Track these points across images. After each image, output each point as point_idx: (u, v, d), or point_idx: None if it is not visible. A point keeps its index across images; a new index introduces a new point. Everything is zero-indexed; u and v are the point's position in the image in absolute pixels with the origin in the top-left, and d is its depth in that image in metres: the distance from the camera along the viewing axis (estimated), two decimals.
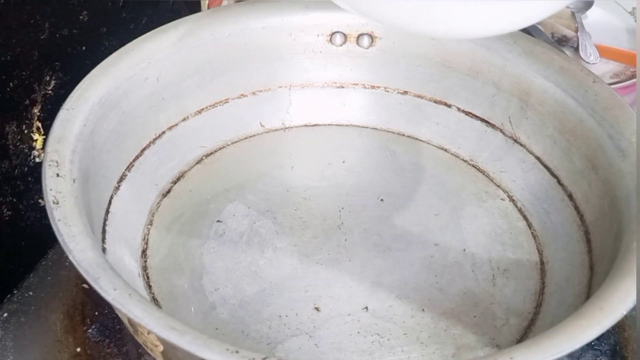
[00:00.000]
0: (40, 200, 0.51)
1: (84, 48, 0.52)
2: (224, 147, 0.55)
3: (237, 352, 0.32)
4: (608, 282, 0.37)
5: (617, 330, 0.46)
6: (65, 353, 0.44)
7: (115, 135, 0.47)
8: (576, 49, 0.69)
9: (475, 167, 0.54)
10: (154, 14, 0.60)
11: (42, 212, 0.45)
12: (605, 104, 0.47)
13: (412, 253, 0.48)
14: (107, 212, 0.45)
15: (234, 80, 0.55)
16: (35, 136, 0.50)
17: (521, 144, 0.53)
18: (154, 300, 0.44)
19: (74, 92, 0.45)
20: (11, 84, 0.46)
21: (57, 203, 0.38)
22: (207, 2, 0.69)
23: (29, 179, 0.50)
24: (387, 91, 0.57)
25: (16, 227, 0.50)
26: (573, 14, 0.73)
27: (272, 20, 0.54)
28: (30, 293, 0.47)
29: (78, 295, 0.47)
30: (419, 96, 0.56)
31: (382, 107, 0.57)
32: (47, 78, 0.49)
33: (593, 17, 0.73)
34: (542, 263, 0.48)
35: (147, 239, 0.48)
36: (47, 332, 0.45)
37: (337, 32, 0.56)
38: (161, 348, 0.37)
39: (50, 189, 0.38)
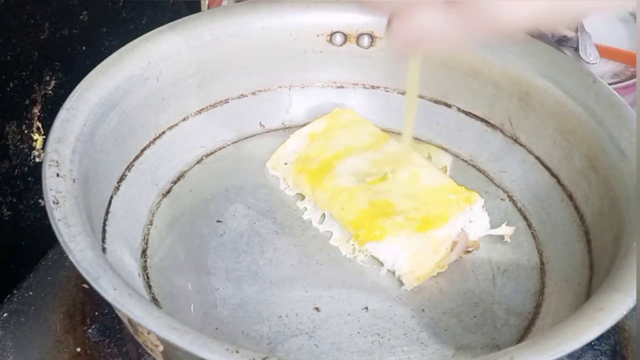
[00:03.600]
0: (40, 200, 0.51)
1: (84, 48, 0.52)
2: (224, 147, 0.55)
3: (237, 352, 0.32)
4: (608, 282, 0.37)
5: (617, 330, 0.46)
6: (65, 353, 0.44)
7: (115, 135, 0.47)
8: (576, 49, 0.69)
9: (475, 167, 0.54)
10: (154, 14, 0.60)
11: (42, 212, 0.45)
12: (605, 104, 0.47)
13: None
14: (107, 212, 0.45)
15: (234, 80, 0.55)
16: (35, 136, 0.50)
17: (521, 144, 0.53)
18: (154, 300, 0.44)
19: (74, 92, 0.45)
20: (11, 84, 0.47)
21: (57, 203, 0.38)
22: (207, 2, 0.70)
23: (29, 179, 0.50)
24: (387, 91, 0.57)
25: (16, 227, 0.50)
26: None
27: (272, 20, 0.54)
28: (30, 293, 0.47)
29: (78, 295, 0.47)
30: (419, 96, 0.56)
31: (382, 107, 0.57)
32: (47, 78, 0.50)
33: (593, 17, 0.73)
34: (542, 263, 0.48)
35: (147, 239, 0.48)
36: (47, 332, 0.45)
37: (337, 32, 0.56)
38: (161, 348, 0.37)
39: (50, 189, 0.38)
